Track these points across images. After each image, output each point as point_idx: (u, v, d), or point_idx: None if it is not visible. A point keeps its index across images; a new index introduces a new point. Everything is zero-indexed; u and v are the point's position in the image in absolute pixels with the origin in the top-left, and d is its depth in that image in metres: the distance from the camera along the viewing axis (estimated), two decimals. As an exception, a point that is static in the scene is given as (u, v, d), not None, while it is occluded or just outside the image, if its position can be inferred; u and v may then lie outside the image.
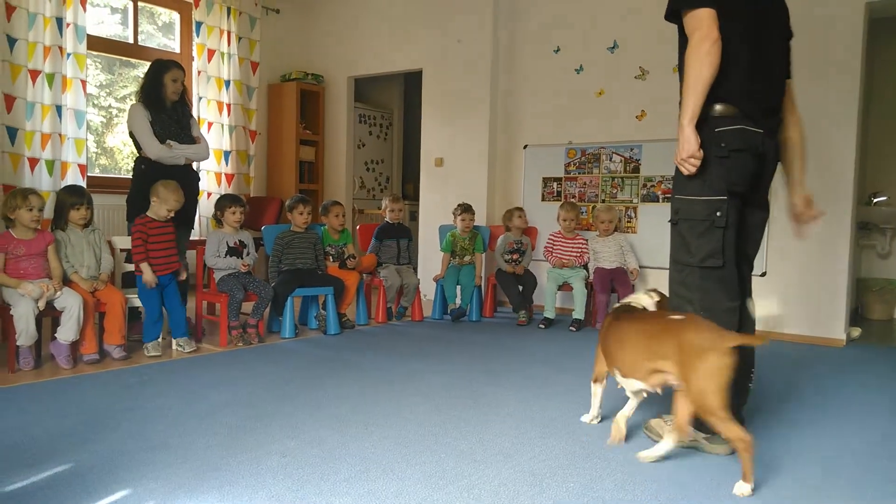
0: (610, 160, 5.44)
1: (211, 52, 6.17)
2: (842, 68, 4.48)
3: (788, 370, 3.76)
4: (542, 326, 4.93)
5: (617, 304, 2.73)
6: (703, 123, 2.33)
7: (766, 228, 4.34)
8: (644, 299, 2.63)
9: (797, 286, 4.67)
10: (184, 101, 4.40)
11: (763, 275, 4.72)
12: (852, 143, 4.49)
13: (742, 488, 2.07)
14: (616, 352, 2.46)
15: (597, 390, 2.70)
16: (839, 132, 4.51)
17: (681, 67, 2.51)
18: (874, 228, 5.70)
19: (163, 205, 3.88)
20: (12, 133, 4.86)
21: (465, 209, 5.31)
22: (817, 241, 4.59)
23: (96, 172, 5.80)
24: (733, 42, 2.29)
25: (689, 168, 2.33)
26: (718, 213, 2.33)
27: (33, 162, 4.96)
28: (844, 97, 4.49)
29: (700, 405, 2.12)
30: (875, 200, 5.68)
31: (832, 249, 4.57)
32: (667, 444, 2.30)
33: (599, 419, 2.74)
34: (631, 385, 2.45)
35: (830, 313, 4.57)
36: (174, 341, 3.93)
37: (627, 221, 5.35)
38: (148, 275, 3.79)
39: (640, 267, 5.09)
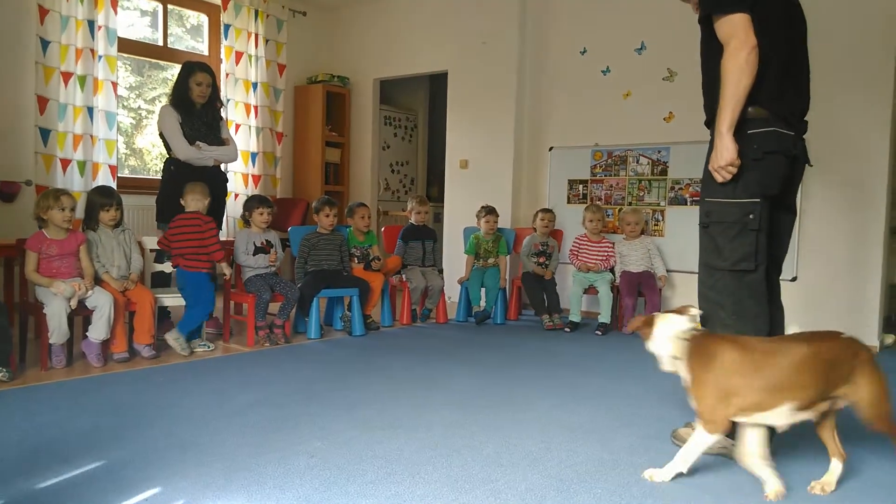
0: (637, 162, 5.39)
1: (239, 55, 6.23)
2: (875, 73, 4.41)
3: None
4: (568, 330, 4.90)
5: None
6: (736, 126, 2.31)
7: (797, 232, 4.28)
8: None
9: (829, 292, 4.59)
10: (213, 104, 4.45)
11: (794, 280, 4.65)
12: (886, 148, 4.41)
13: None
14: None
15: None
16: (873, 136, 4.43)
17: (704, 69, 2.49)
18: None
19: (205, 199, 4.07)
20: (45, 134, 4.94)
21: (489, 211, 5.29)
22: (850, 246, 4.52)
23: (126, 173, 5.89)
24: (765, 45, 2.26)
25: (725, 176, 2.31)
26: (751, 216, 2.31)
27: (65, 163, 5.05)
28: (878, 100, 4.40)
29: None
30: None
31: (865, 255, 4.49)
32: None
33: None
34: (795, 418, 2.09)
35: (863, 320, 4.48)
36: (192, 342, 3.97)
37: (655, 224, 5.31)
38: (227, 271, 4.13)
39: (668, 271, 5.03)
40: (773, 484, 2.08)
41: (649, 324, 2.24)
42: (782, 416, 2.05)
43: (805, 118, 2.51)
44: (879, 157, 4.43)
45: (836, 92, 4.46)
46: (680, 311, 2.27)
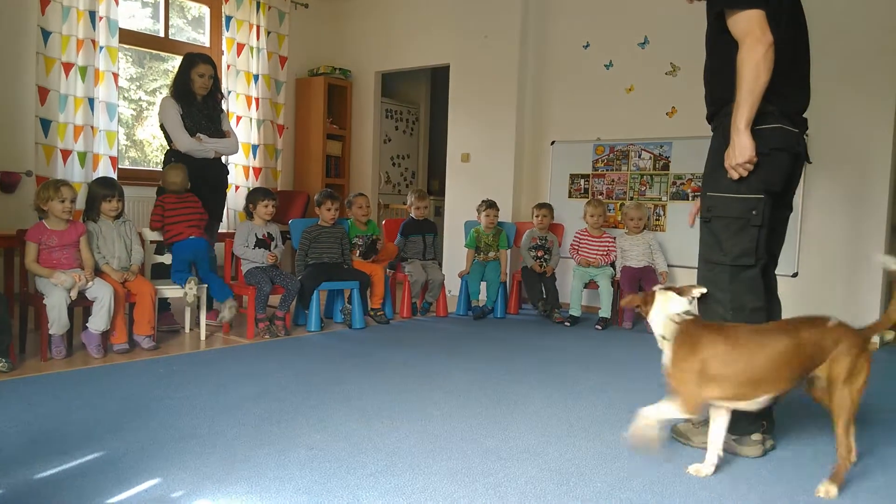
0: (639, 157, 5.38)
1: (240, 47, 6.21)
2: (879, 70, 4.39)
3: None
4: (568, 324, 4.90)
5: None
6: None
7: (798, 228, 4.29)
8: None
9: (830, 287, 4.58)
10: (214, 95, 4.44)
11: (795, 275, 4.64)
12: (888, 145, 4.39)
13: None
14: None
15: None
16: (875, 133, 4.41)
17: (710, 63, 2.48)
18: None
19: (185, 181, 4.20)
20: (46, 125, 4.93)
21: (489, 205, 5.28)
22: (851, 241, 4.51)
23: (126, 165, 5.87)
24: (776, 43, 2.25)
25: (742, 172, 2.29)
26: (755, 212, 2.30)
27: (66, 154, 5.04)
28: (881, 98, 4.39)
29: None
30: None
31: (866, 251, 4.48)
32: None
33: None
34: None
35: (864, 315, 4.47)
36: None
37: (656, 220, 5.30)
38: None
39: (669, 266, 5.02)
40: (708, 467, 2.20)
41: (648, 302, 2.28)
42: (758, 404, 2.13)
43: (804, 115, 2.50)
44: (882, 154, 4.42)
45: (839, 89, 4.44)
46: (682, 290, 2.28)
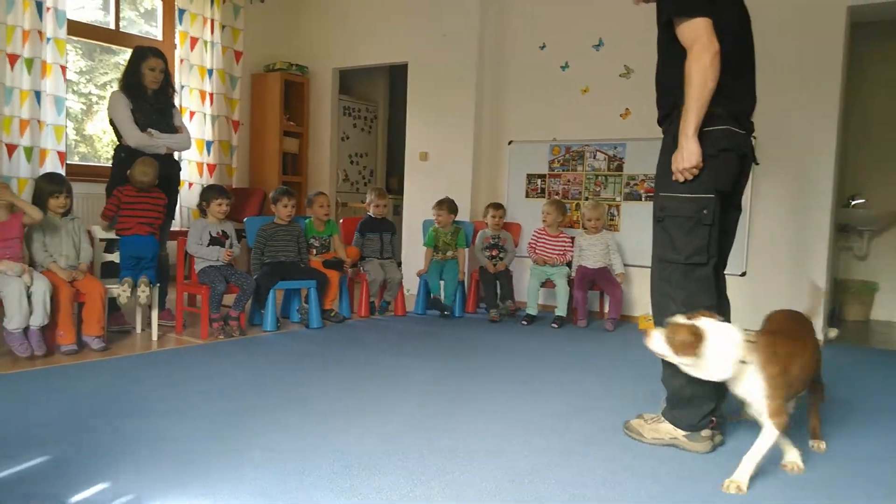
0: (594, 158, 5.46)
1: (194, 41, 6.09)
2: (823, 71, 4.54)
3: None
4: (525, 323, 4.94)
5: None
6: None
7: (746, 228, 4.40)
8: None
9: (776, 286, 4.72)
10: (166, 90, 4.35)
11: (743, 274, 4.77)
12: (832, 147, 4.55)
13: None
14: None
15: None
16: (819, 135, 4.57)
17: (661, 69, 2.53)
18: (852, 230, 5.77)
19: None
20: (-10, 118, 4.76)
21: (439, 203, 5.27)
22: (797, 242, 4.66)
23: (75, 160, 5.71)
24: (722, 48, 2.31)
25: (687, 177, 2.36)
26: (705, 211, 2.37)
27: (11, 148, 4.87)
28: (825, 101, 4.54)
29: None
30: (853, 203, 5.75)
31: (811, 251, 4.63)
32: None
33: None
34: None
35: (811, 313, 4.62)
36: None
37: (610, 220, 5.38)
38: None
39: (625, 265, 5.10)
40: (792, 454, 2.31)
41: (698, 337, 2.12)
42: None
43: (751, 116, 2.58)
44: (826, 156, 4.57)
45: (784, 92, 4.58)
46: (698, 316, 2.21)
